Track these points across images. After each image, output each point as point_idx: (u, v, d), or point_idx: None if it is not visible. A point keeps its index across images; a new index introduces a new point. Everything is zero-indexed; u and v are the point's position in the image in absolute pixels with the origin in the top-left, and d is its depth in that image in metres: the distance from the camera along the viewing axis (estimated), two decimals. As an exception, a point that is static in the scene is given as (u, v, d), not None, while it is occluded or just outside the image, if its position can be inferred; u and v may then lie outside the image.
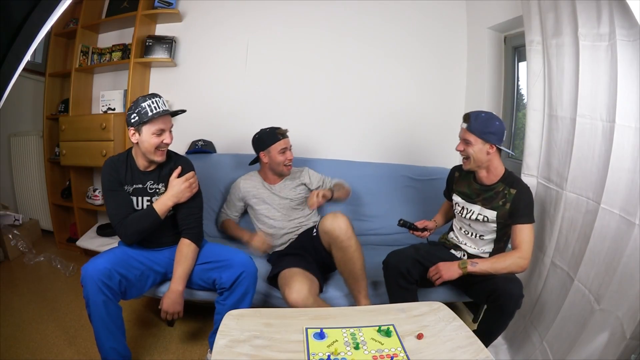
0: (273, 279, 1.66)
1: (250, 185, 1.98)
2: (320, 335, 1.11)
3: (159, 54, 2.35)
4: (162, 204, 1.49)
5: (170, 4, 2.33)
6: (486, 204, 1.55)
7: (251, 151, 2.04)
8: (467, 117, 1.52)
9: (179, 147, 2.41)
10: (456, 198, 1.68)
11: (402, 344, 1.09)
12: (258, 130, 1.95)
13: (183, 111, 1.54)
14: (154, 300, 1.83)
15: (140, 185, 1.53)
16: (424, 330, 1.14)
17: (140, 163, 1.53)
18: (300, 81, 2.43)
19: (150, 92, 1.49)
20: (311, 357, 1.03)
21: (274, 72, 2.43)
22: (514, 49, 2.16)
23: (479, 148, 1.49)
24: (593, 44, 1.29)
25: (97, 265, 1.37)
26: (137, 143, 1.47)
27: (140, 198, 1.54)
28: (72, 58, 2.44)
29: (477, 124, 1.48)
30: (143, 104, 1.42)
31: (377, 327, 1.16)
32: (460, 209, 1.65)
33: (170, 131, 1.50)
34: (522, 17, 1.67)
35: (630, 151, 1.20)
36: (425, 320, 1.22)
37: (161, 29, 2.45)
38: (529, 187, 1.53)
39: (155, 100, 1.43)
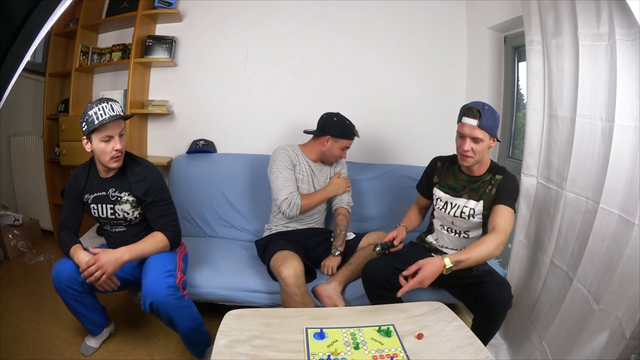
0: (265, 254, 1.76)
1: (296, 159, 1.89)
2: (320, 335, 1.11)
3: (159, 54, 2.35)
4: (78, 256, 1.43)
5: (170, 4, 2.33)
6: (472, 196, 1.50)
7: (252, 151, 2.04)
8: (476, 113, 1.37)
9: (181, 146, 2.43)
10: (438, 192, 1.59)
11: (402, 344, 1.10)
12: (336, 112, 1.90)
13: (131, 115, 1.57)
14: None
15: (103, 193, 1.53)
16: (424, 330, 1.14)
17: (101, 170, 1.52)
18: (299, 81, 2.43)
19: (100, 98, 1.45)
20: (311, 357, 1.03)
21: (274, 71, 2.43)
22: (514, 49, 2.16)
23: (486, 144, 1.41)
24: (593, 43, 1.29)
25: (60, 272, 1.45)
26: (92, 152, 1.47)
27: (102, 206, 1.54)
28: (72, 58, 2.44)
29: (486, 119, 1.38)
30: (90, 112, 1.39)
31: (377, 327, 1.16)
32: (442, 204, 1.57)
33: (121, 136, 1.44)
34: (522, 17, 1.67)
35: (629, 151, 1.20)
36: (425, 320, 1.22)
37: (161, 29, 2.44)
38: (515, 176, 1.50)
39: (102, 107, 1.38)
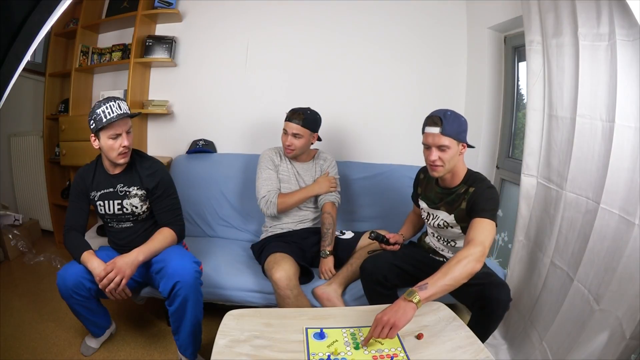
0: (261, 257, 1.76)
1: (278, 160, 1.92)
2: (320, 335, 1.11)
3: (159, 54, 2.35)
4: (92, 264, 1.43)
5: (170, 4, 2.33)
6: (449, 209, 1.47)
7: (252, 151, 2.04)
8: (437, 120, 1.33)
9: (181, 146, 2.43)
10: (422, 203, 1.60)
11: (402, 344, 1.09)
12: (315, 109, 1.89)
13: (138, 114, 1.58)
14: (154, 300, 1.83)
15: (111, 189, 1.55)
16: (424, 330, 1.14)
17: (108, 167, 1.56)
18: (300, 81, 2.43)
19: (107, 96, 1.48)
20: (311, 357, 1.03)
21: (274, 72, 2.43)
22: (514, 49, 2.16)
23: (455, 151, 1.36)
24: (593, 43, 1.29)
25: (65, 279, 1.43)
26: (100, 149, 1.50)
27: (109, 202, 1.56)
28: (72, 58, 2.44)
29: (449, 125, 1.33)
30: (97, 111, 1.42)
31: (377, 327, 1.16)
32: (426, 214, 1.59)
33: (129, 133, 1.48)
34: (522, 17, 1.67)
35: (629, 151, 1.20)
36: (425, 320, 1.22)
37: (161, 29, 2.44)
38: (493, 186, 1.42)
39: (110, 105, 1.42)
